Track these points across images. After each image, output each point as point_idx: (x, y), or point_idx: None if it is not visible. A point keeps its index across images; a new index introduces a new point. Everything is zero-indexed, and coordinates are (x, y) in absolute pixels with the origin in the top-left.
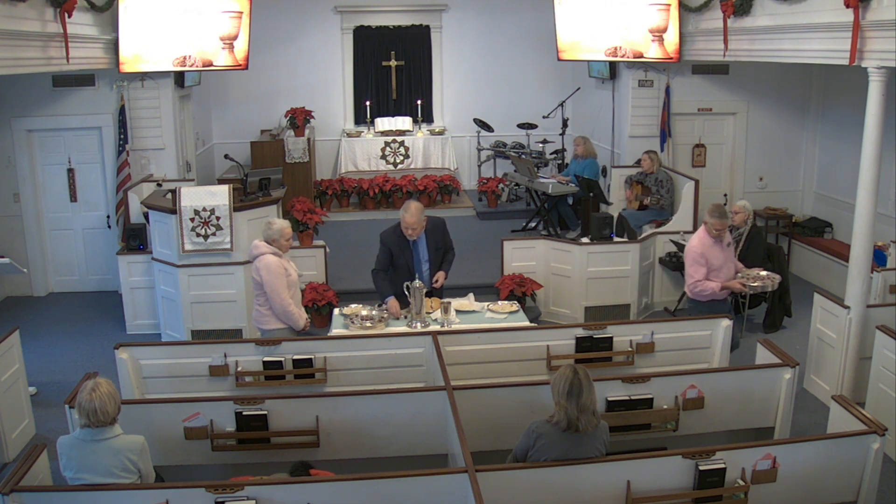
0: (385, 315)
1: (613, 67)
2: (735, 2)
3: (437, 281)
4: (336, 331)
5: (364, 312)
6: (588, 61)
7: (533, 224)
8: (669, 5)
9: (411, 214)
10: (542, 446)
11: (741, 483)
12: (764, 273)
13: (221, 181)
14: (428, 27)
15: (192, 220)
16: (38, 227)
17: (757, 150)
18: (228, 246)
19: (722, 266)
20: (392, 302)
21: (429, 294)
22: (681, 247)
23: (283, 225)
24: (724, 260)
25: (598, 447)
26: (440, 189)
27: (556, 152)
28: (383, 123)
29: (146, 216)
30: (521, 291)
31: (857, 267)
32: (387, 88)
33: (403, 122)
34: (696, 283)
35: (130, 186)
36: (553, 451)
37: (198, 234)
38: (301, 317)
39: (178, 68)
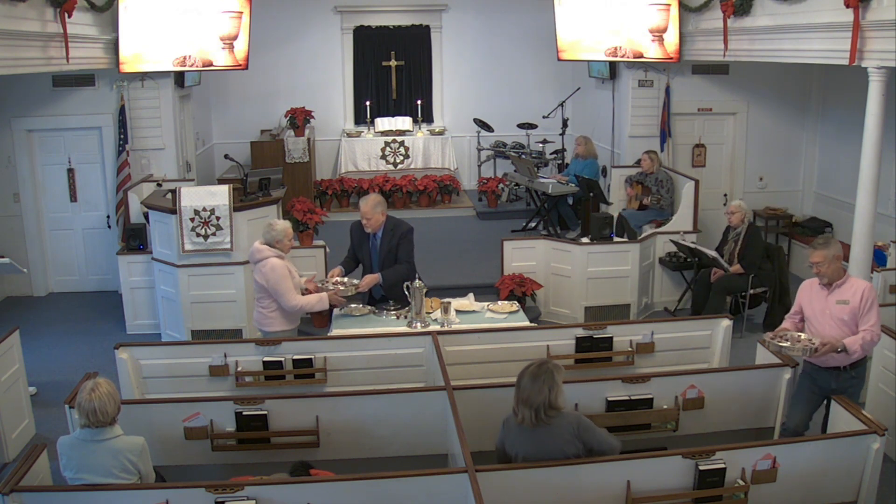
0: (356, 282)
1: (613, 67)
2: (735, 2)
3: (364, 279)
4: (336, 331)
5: (337, 278)
6: (588, 61)
7: (533, 224)
8: (669, 5)
9: (366, 204)
10: (511, 441)
11: (741, 483)
12: (804, 337)
13: (221, 181)
14: (428, 27)
15: (192, 220)
16: (38, 227)
17: (757, 150)
18: (228, 246)
19: (814, 318)
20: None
21: (383, 299)
22: (681, 247)
23: (285, 226)
24: (820, 313)
25: (565, 444)
26: (440, 189)
27: (556, 152)
28: (383, 123)
29: (146, 216)
30: (521, 291)
31: (857, 267)
32: (387, 88)
33: (403, 122)
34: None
35: (130, 186)
36: (519, 443)
37: (198, 234)
38: (318, 299)
39: (178, 68)
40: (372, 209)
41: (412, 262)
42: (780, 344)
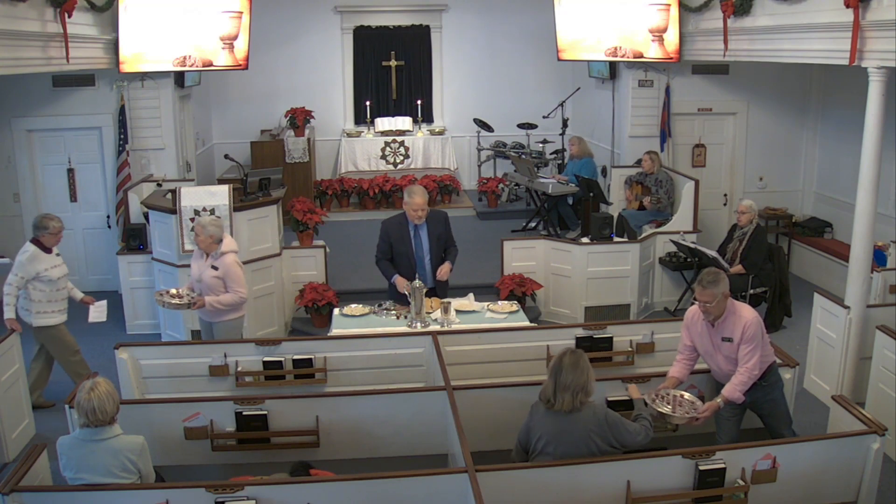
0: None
1: (613, 67)
2: (735, 2)
3: (441, 271)
4: (336, 331)
5: (173, 291)
6: (588, 61)
7: (533, 224)
8: (669, 5)
9: (420, 195)
10: (537, 423)
11: (741, 483)
12: (687, 397)
13: (221, 181)
14: (428, 27)
15: (193, 220)
16: None
17: (757, 150)
18: None
19: (707, 355)
20: (398, 279)
21: (431, 292)
22: (681, 247)
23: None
24: (711, 350)
25: (592, 433)
26: (440, 189)
27: (556, 152)
28: (383, 123)
29: (146, 216)
30: (521, 291)
31: (857, 267)
32: (387, 88)
33: (403, 122)
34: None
35: (130, 186)
36: (545, 427)
37: None
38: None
39: (178, 68)
40: (426, 200)
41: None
42: (661, 409)
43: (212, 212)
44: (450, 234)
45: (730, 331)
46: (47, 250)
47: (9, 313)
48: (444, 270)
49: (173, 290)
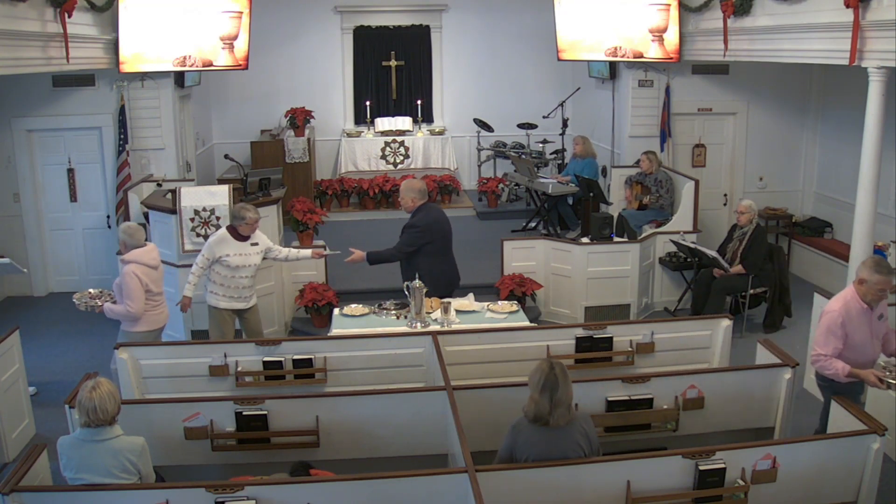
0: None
1: (613, 67)
2: (735, 2)
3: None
4: (336, 331)
5: (93, 291)
6: (588, 61)
7: (533, 224)
8: (669, 5)
9: (403, 183)
10: (524, 443)
11: (741, 483)
12: None
13: (221, 181)
14: (428, 27)
15: (192, 220)
16: (38, 227)
17: (757, 150)
18: None
19: (864, 344)
20: None
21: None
22: (681, 247)
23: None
24: (869, 336)
25: (579, 439)
26: (440, 189)
27: (556, 152)
28: (383, 123)
29: (146, 216)
30: (521, 291)
31: (857, 267)
32: (387, 88)
33: (403, 122)
34: (820, 357)
35: (130, 186)
36: (534, 447)
37: (198, 234)
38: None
39: (178, 68)
40: (404, 190)
41: (403, 250)
42: (893, 381)
43: (212, 212)
44: (403, 239)
45: (882, 308)
46: (241, 238)
47: (186, 291)
48: (353, 255)
49: (93, 291)
